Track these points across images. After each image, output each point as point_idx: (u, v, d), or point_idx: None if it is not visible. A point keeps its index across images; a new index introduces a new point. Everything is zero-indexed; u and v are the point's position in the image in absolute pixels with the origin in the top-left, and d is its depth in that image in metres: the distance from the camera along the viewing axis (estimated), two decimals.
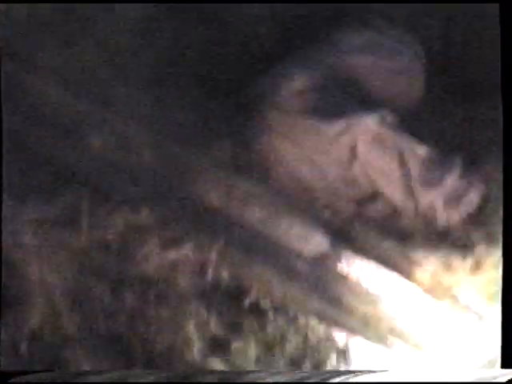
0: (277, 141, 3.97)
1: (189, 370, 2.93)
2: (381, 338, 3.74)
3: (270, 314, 3.59)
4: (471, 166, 4.04)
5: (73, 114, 3.75)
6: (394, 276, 3.85)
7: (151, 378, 2.22)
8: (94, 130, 3.76)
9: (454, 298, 3.74)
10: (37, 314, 3.14)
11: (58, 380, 1.76)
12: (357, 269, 3.83)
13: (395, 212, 4.03)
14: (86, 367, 3.09)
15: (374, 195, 4.05)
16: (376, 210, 4.01)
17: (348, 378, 2.73)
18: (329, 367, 3.56)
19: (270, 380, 2.53)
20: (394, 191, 4.04)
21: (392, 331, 3.85)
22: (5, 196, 3.39)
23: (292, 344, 3.51)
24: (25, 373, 1.80)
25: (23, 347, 3.04)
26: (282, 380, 2.41)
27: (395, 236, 3.91)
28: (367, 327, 3.74)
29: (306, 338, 3.55)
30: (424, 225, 3.97)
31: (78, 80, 3.80)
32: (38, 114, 3.72)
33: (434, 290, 3.75)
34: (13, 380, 1.75)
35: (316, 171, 4.00)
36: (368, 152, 4.02)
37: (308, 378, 2.73)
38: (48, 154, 3.64)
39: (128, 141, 3.78)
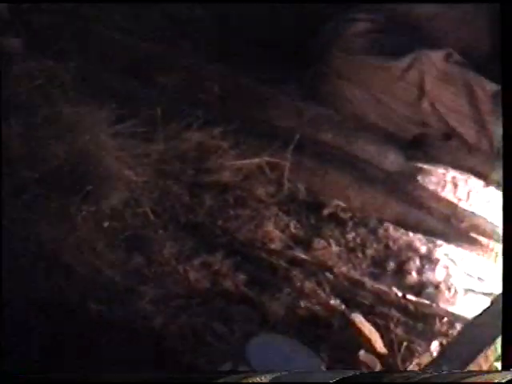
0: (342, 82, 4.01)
1: None
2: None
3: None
4: None
5: None
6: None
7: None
8: None
9: None
10: (117, 197, 3.40)
11: (61, 381, 1.79)
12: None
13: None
14: (168, 249, 3.30)
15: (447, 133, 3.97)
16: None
17: None
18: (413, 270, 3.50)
19: None
20: (467, 128, 3.90)
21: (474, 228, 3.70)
22: None
23: None
24: (27, 373, 1.88)
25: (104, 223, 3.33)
26: None
27: None
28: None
29: None
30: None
31: None
32: None
33: None
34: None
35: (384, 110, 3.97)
36: (436, 88, 3.89)
37: None
38: None
39: None
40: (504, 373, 2.48)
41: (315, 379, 2.08)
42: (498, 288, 3.45)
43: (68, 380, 2.06)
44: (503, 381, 2.27)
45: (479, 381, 2.24)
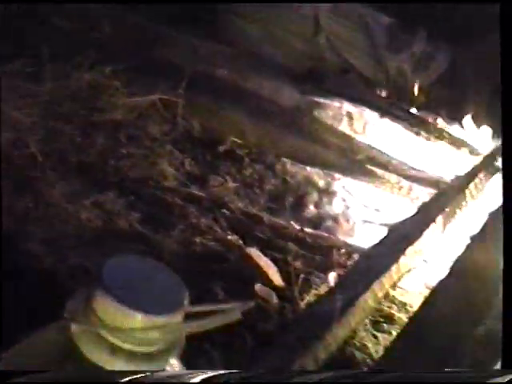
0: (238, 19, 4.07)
1: None
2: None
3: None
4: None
5: None
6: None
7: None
8: None
9: None
10: (3, 138, 3.30)
11: (59, 380, 1.75)
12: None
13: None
14: (58, 189, 3.22)
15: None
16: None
17: None
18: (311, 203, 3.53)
19: None
20: (363, 62, 3.94)
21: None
22: None
23: None
24: (25, 373, 1.84)
25: None
26: None
27: None
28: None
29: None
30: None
31: None
32: None
33: None
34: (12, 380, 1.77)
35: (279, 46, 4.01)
36: (332, 23, 3.93)
37: None
38: None
39: None
40: (504, 373, 2.47)
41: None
42: (393, 218, 3.48)
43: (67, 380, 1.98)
44: (503, 381, 2.26)
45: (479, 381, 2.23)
